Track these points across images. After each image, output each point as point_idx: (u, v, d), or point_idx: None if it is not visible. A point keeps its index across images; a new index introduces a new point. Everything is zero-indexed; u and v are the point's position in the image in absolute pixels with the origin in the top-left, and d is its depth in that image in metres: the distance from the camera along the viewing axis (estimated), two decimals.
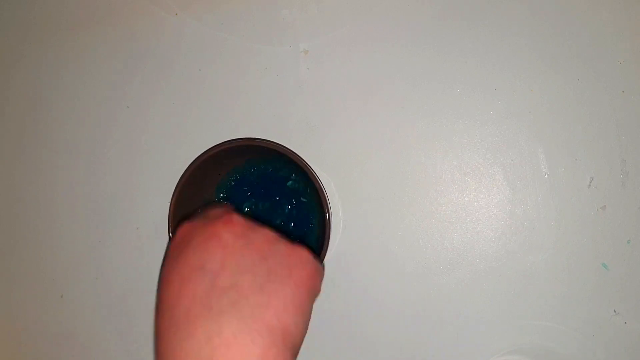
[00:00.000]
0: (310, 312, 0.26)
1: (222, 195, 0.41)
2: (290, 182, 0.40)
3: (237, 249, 0.25)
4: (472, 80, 0.40)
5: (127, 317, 0.44)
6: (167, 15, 0.44)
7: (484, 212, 0.40)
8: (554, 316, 0.39)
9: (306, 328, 0.25)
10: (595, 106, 0.39)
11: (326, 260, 0.36)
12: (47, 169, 0.46)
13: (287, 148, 0.36)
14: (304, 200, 0.40)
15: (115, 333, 0.45)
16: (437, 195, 0.41)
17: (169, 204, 0.37)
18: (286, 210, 0.40)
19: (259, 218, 0.41)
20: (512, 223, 0.40)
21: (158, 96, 0.44)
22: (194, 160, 0.37)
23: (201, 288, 0.24)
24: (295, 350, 0.24)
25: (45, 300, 0.46)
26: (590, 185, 0.39)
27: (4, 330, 0.47)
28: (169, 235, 0.37)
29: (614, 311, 0.39)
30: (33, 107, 0.46)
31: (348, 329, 0.41)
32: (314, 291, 0.26)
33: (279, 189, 0.41)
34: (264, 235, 0.26)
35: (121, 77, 0.45)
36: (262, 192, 0.41)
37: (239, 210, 0.33)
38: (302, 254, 0.26)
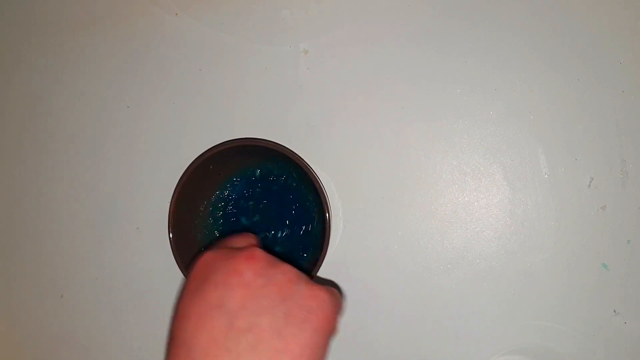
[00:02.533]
0: (326, 353, 0.26)
1: (221, 195, 0.41)
2: (289, 182, 0.40)
3: (257, 288, 0.25)
4: (472, 80, 0.40)
5: (127, 317, 0.44)
6: (167, 15, 0.44)
7: (484, 212, 0.40)
8: (554, 316, 0.39)
9: None
10: (595, 106, 0.39)
11: (326, 260, 0.36)
12: (47, 169, 0.46)
13: (287, 148, 0.36)
14: (303, 200, 0.40)
15: (115, 333, 0.45)
16: (437, 195, 0.41)
17: (169, 204, 0.37)
18: (286, 211, 0.40)
19: (258, 218, 0.41)
20: (512, 223, 0.40)
21: (158, 96, 0.44)
22: (194, 160, 0.37)
23: (219, 328, 0.24)
24: None
25: (45, 300, 0.46)
26: (590, 185, 0.39)
27: (4, 330, 0.47)
28: (169, 235, 0.37)
29: (614, 311, 0.39)
30: (33, 107, 0.46)
31: (348, 329, 0.41)
32: (331, 333, 0.26)
33: (279, 189, 0.41)
34: (285, 274, 0.26)
35: (121, 77, 0.45)
36: (262, 192, 0.41)
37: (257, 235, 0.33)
38: (321, 296, 0.26)
